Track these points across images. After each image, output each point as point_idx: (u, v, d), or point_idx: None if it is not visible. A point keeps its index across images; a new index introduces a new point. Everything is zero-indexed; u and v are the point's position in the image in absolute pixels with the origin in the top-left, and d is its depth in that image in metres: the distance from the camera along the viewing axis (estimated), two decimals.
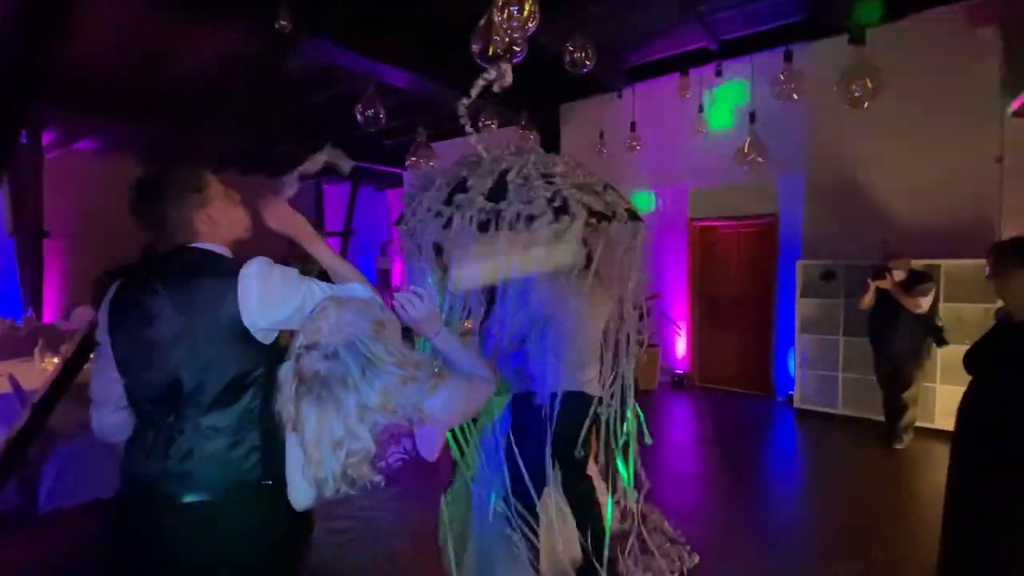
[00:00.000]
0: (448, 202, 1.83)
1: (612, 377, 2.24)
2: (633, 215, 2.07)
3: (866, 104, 2.54)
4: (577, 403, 2.11)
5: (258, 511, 1.12)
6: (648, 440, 2.30)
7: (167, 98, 5.28)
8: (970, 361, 1.98)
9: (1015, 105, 3.99)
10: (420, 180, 2.05)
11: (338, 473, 1.03)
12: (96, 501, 3.22)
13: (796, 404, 5.08)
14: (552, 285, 2.00)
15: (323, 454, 1.02)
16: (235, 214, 1.35)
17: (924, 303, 3.81)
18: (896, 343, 4.01)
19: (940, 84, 4.48)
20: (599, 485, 2.35)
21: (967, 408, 1.98)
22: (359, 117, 3.43)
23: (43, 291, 6.52)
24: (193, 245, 1.27)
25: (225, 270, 1.21)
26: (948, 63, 4.43)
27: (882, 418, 4.60)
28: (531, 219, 1.71)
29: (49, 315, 6.85)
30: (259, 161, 8.13)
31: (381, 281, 10.94)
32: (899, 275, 4.00)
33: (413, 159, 4.09)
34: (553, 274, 1.99)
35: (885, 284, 3.91)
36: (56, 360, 3.68)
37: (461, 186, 1.82)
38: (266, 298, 1.19)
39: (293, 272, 1.25)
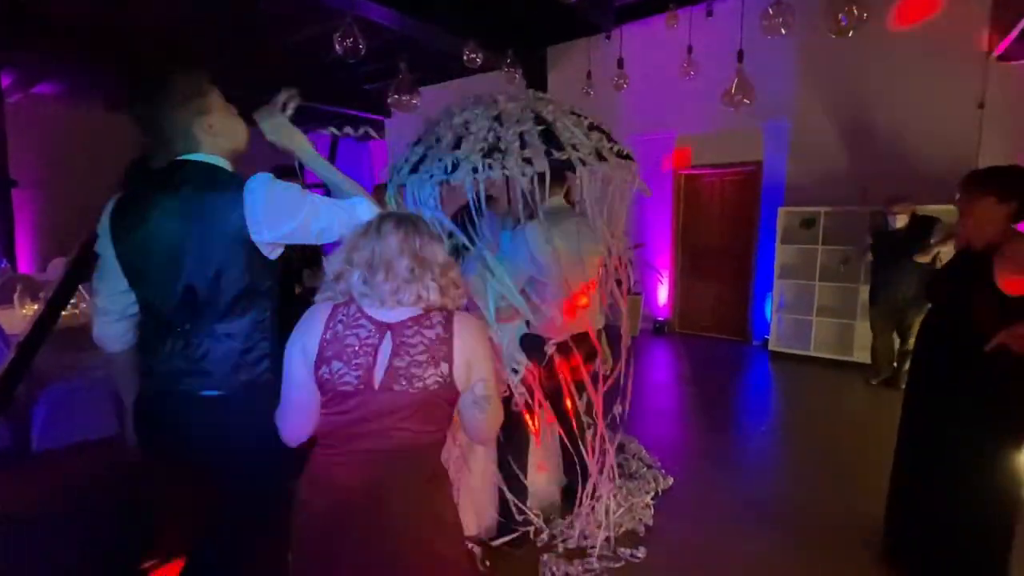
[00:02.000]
0: (457, 146, 1.84)
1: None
2: (624, 155, 2.07)
3: (851, 32, 2.53)
4: (580, 342, 2.18)
5: (269, 407, 1.20)
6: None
7: (133, 38, 4.99)
8: (930, 289, 2.08)
9: (999, 49, 4.00)
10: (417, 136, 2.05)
11: None
12: (86, 442, 3.29)
13: (771, 347, 5.28)
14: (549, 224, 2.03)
15: None
16: (235, 125, 1.36)
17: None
18: (902, 289, 3.96)
19: (926, 28, 4.45)
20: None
21: (925, 334, 2.09)
22: (337, 47, 3.29)
23: (15, 242, 6.34)
24: (195, 159, 1.27)
25: (230, 184, 1.24)
26: (934, 5, 4.39)
27: (850, 358, 4.83)
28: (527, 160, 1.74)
29: (23, 266, 6.70)
30: (235, 106, 7.82)
31: None
32: (902, 219, 3.93)
33: (396, 96, 3.97)
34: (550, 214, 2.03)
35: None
36: (36, 307, 3.65)
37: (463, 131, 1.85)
38: (271, 212, 1.22)
39: (296, 187, 1.26)
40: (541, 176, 1.76)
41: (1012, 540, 1.88)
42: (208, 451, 1.28)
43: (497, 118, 1.87)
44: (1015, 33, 3.65)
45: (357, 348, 1.11)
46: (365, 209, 1.33)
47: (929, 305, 2.12)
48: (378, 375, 1.10)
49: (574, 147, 1.82)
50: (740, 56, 3.68)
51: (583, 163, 1.83)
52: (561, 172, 1.98)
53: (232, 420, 1.27)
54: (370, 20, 4.46)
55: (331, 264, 1.16)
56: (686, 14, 4.73)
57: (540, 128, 1.84)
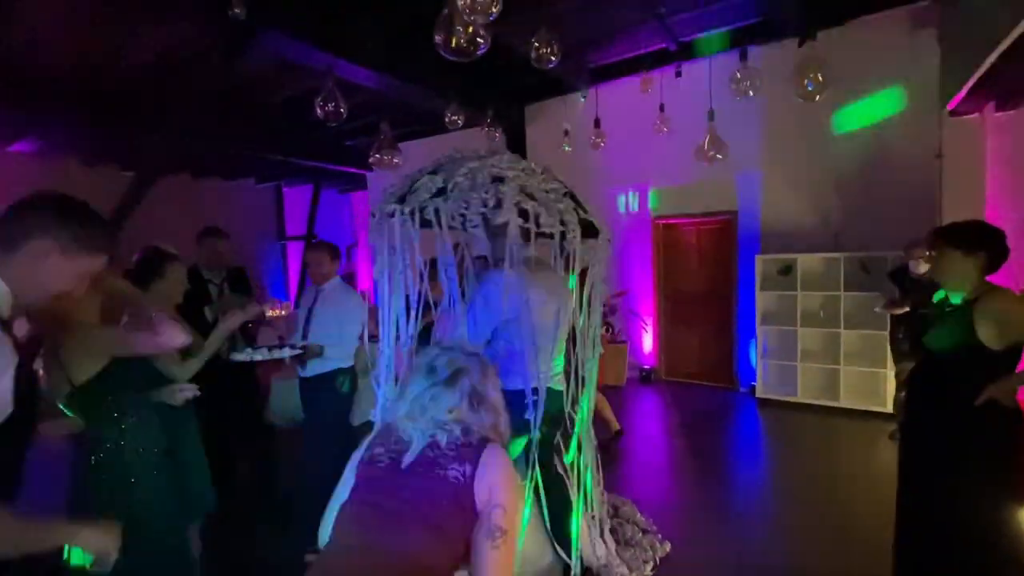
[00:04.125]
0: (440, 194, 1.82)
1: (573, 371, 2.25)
2: (590, 228, 2.07)
3: (817, 97, 2.65)
4: (549, 398, 2.09)
5: None
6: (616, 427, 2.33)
7: (112, 96, 5.02)
8: (919, 340, 2.09)
9: (951, 105, 4.25)
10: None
11: None
12: None
13: (758, 394, 5.25)
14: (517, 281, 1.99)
15: None
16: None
17: None
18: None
19: (884, 83, 4.74)
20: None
21: (913, 383, 2.09)
22: (319, 111, 3.33)
23: None
24: None
25: None
26: (891, 63, 4.69)
27: (837, 403, 4.81)
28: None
29: None
30: (213, 163, 7.84)
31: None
32: (924, 265, 3.68)
33: (377, 156, 4.01)
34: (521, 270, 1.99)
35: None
36: None
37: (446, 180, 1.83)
38: None
39: None
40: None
41: None
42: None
43: (523, 171, 1.90)
44: (963, 93, 3.89)
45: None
46: None
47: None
48: (407, 459, 1.21)
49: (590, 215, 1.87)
50: (711, 115, 3.83)
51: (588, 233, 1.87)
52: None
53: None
54: (351, 80, 4.56)
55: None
56: (657, 74, 4.96)
57: (565, 189, 1.89)
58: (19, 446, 1.12)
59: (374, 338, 2.26)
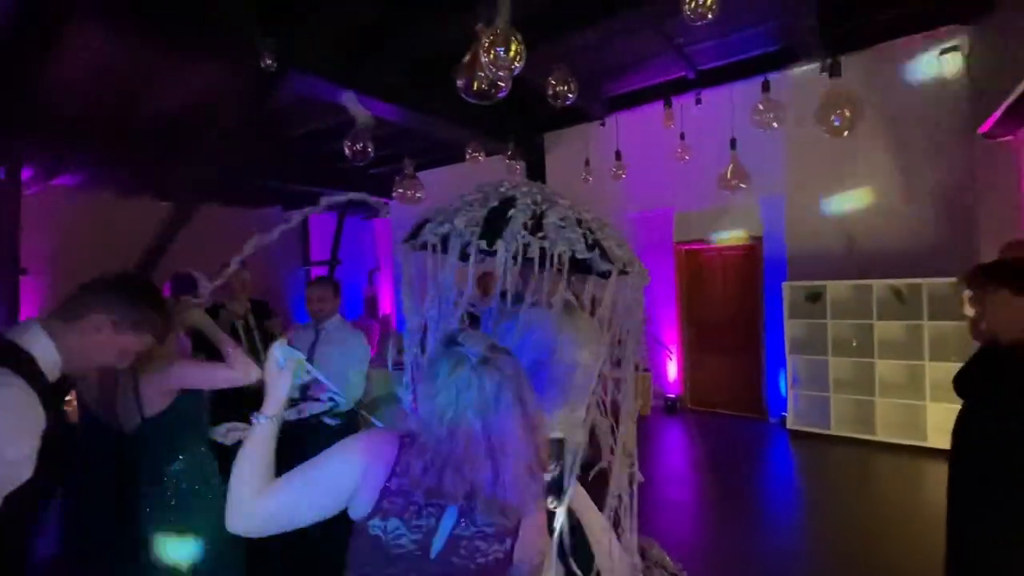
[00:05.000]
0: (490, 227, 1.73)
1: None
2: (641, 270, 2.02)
3: (845, 133, 2.59)
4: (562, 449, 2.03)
5: None
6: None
7: (146, 134, 5.25)
8: (959, 385, 1.98)
9: (983, 128, 4.13)
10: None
11: None
12: None
13: (789, 425, 5.06)
14: (551, 322, 1.95)
15: None
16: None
17: None
18: None
19: (913, 106, 4.64)
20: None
21: (960, 433, 1.97)
22: (347, 151, 3.42)
23: None
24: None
25: None
26: (918, 88, 4.60)
27: (874, 437, 4.61)
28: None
29: None
30: (240, 193, 8.09)
31: (368, 310, 10.84)
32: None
33: (400, 191, 4.08)
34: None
35: None
36: None
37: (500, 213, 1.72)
38: None
39: None
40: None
41: None
42: None
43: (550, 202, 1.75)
44: (997, 114, 3.78)
45: (422, 507, 0.95)
46: None
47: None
48: (437, 543, 0.95)
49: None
50: (733, 143, 3.79)
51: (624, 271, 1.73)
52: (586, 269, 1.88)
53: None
54: (374, 115, 4.68)
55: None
56: (677, 103, 4.97)
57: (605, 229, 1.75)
58: (31, 509, 1.12)
59: (398, 366, 2.24)
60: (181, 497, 1.72)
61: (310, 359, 2.69)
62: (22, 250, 6.14)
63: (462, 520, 0.97)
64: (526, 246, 1.53)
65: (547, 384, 1.91)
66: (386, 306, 10.50)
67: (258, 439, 1.02)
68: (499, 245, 1.51)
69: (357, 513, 0.98)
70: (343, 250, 10.11)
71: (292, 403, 2.70)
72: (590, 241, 1.64)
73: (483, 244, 1.53)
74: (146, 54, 3.80)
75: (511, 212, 1.55)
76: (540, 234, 1.56)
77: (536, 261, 1.57)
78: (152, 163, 5.70)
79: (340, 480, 0.97)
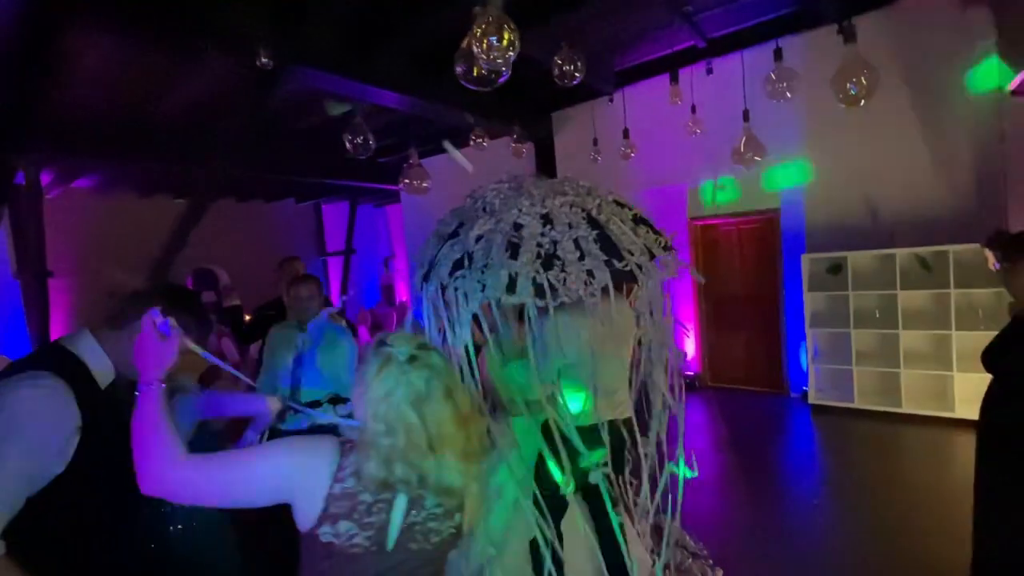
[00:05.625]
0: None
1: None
2: (666, 247, 1.94)
3: (862, 101, 2.48)
4: (609, 431, 2.04)
5: None
6: (692, 472, 2.20)
7: (159, 133, 5.30)
8: (988, 358, 1.92)
9: (1013, 85, 3.93)
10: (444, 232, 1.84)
11: None
12: None
13: (811, 400, 5.00)
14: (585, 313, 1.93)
15: None
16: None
17: None
18: None
19: (935, 67, 4.42)
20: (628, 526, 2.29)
21: (989, 407, 1.92)
22: (348, 145, 3.41)
23: (49, 331, 6.53)
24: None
25: None
26: (942, 46, 4.37)
27: (899, 409, 4.53)
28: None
29: None
30: (255, 187, 8.16)
31: (385, 297, 10.94)
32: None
33: (406, 181, 4.07)
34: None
35: None
36: None
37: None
38: None
39: None
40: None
41: None
42: None
43: (546, 217, 1.71)
44: None
45: (371, 504, 0.98)
46: None
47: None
48: (392, 535, 0.99)
49: (630, 252, 1.68)
50: (746, 115, 3.67)
51: (640, 268, 1.68)
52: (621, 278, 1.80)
53: None
54: (379, 103, 4.65)
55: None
56: (687, 73, 4.82)
57: (595, 232, 1.70)
58: (74, 506, 1.16)
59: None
60: (197, 537, 1.69)
61: (297, 364, 2.49)
62: (48, 253, 6.32)
63: (412, 509, 1.01)
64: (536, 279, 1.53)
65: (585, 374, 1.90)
66: (402, 293, 10.58)
67: (157, 405, 1.03)
68: (515, 300, 1.50)
69: (304, 525, 0.99)
70: (357, 239, 10.18)
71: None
72: (604, 258, 1.59)
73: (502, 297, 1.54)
74: (151, 55, 3.81)
75: (518, 264, 1.52)
76: (559, 267, 1.53)
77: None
78: (167, 162, 5.76)
79: (259, 482, 1.00)
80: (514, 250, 1.58)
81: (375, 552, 0.98)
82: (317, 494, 0.97)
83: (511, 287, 1.51)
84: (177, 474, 0.98)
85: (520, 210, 1.63)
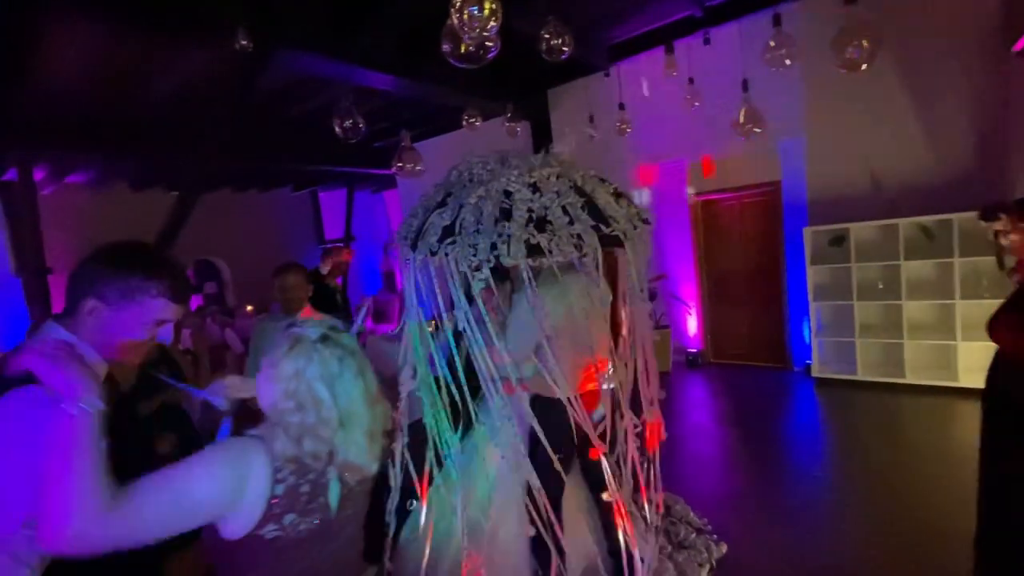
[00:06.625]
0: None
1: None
2: (643, 220, 1.96)
3: (864, 66, 2.39)
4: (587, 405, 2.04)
5: None
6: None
7: (146, 126, 5.24)
8: (993, 327, 1.89)
9: (1018, 47, 3.80)
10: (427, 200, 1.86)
11: None
12: None
13: (815, 373, 4.98)
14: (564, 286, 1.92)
15: None
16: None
17: None
18: None
19: (936, 30, 4.29)
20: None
21: (995, 377, 1.89)
22: (338, 129, 3.35)
23: None
24: None
25: None
26: (942, 6, 4.24)
27: (903, 380, 4.51)
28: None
29: None
30: (251, 177, 8.09)
31: (387, 284, 10.92)
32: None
33: (399, 164, 4.01)
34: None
35: None
36: None
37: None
38: None
39: None
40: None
41: None
42: None
43: (534, 187, 1.72)
44: None
45: (311, 492, 1.00)
46: None
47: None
48: (333, 503, 1.03)
49: (615, 220, 1.70)
50: (745, 85, 3.58)
51: (625, 235, 1.70)
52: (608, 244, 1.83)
53: None
54: (369, 86, 4.56)
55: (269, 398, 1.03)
56: (683, 45, 4.69)
57: (582, 200, 1.71)
58: None
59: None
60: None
61: None
62: (46, 250, 6.30)
63: (343, 485, 1.05)
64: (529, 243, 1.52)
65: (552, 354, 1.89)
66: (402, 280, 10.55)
67: (88, 434, 0.85)
68: (508, 261, 1.48)
69: (240, 531, 0.95)
70: (356, 226, 10.12)
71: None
72: (592, 223, 1.59)
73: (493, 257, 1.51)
74: (133, 43, 3.73)
75: (513, 218, 1.52)
76: (550, 230, 1.52)
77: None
78: (158, 154, 5.70)
79: (206, 504, 0.92)
80: (506, 214, 1.58)
81: (321, 530, 1.02)
82: (259, 502, 0.95)
83: (506, 249, 1.51)
84: (103, 527, 0.81)
85: (509, 179, 1.63)
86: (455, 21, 1.55)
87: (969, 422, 3.71)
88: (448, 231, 1.59)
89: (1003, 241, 1.82)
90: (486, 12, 1.53)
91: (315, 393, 0.98)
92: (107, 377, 1.11)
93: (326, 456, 1.00)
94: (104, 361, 1.09)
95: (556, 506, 2.12)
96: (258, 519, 0.95)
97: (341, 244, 9.96)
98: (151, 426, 1.66)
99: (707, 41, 4.69)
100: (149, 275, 1.08)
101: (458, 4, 1.52)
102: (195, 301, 8.23)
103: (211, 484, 0.92)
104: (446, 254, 1.55)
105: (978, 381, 2.02)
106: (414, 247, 1.64)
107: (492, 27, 1.56)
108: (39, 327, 1.09)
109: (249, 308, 7.98)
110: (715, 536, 2.66)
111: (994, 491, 1.94)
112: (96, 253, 1.10)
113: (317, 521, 1.01)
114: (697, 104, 4.36)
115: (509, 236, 1.49)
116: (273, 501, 0.96)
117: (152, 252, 1.15)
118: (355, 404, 1.02)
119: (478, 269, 1.50)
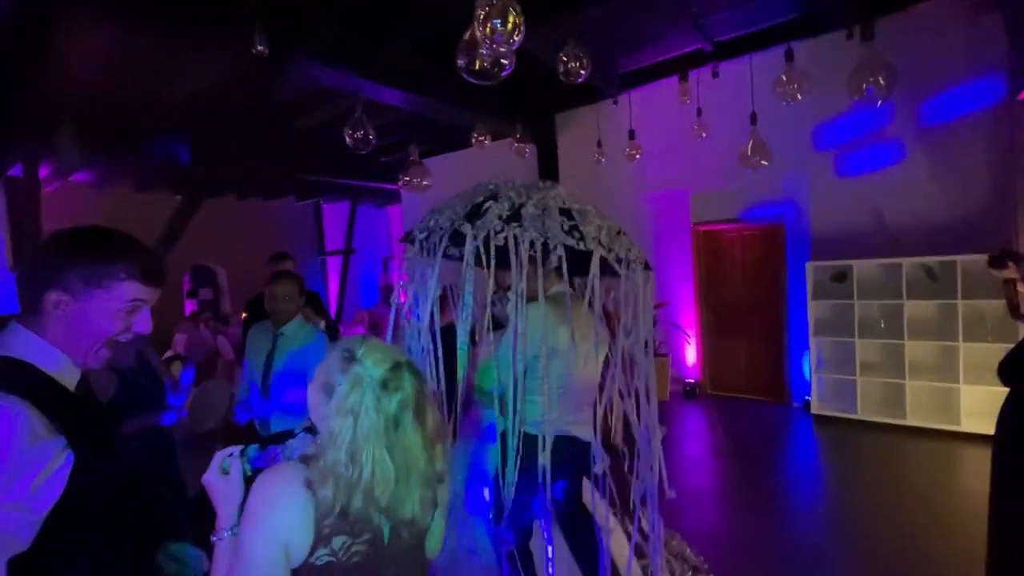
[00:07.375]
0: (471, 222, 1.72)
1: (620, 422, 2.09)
2: (645, 265, 1.95)
3: (879, 102, 2.41)
4: (568, 446, 1.93)
5: None
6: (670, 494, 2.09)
7: (156, 129, 5.26)
8: (1006, 372, 1.85)
9: (1023, 95, 3.86)
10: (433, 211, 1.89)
11: None
12: None
13: (814, 410, 4.91)
14: (554, 322, 1.86)
15: None
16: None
17: None
18: None
19: (945, 74, 4.37)
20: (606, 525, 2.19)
21: (1008, 420, 1.84)
22: (348, 140, 3.35)
23: None
24: None
25: None
26: (952, 53, 4.32)
27: (903, 421, 4.45)
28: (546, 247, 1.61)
29: None
30: (256, 185, 8.11)
31: (384, 297, 10.87)
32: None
33: (407, 179, 4.01)
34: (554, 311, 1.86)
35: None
36: None
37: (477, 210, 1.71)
38: None
39: None
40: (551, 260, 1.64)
41: None
42: None
43: (536, 206, 1.74)
44: None
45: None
46: None
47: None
48: (386, 529, 0.96)
49: (611, 249, 1.71)
50: (753, 119, 3.61)
51: (620, 263, 1.73)
52: (582, 262, 1.80)
53: None
54: (381, 101, 4.59)
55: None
56: (693, 76, 4.76)
57: (571, 223, 1.72)
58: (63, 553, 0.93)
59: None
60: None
61: (267, 368, 2.37)
62: None
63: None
64: (500, 235, 1.54)
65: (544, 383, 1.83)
66: (403, 294, 10.50)
67: (223, 558, 0.92)
68: (466, 230, 1.51)
69: (293, 563, 0.90)
70: (357, 239, 10.12)
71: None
72: (566, 228, 1.59)
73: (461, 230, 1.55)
74: (148, 44, 3.76)
75: (488, 204, 1.55)
76: (515, 224, 1.54)
77: (516, 252, 1.56)
78: (164, 157, 5.71)
79: (268, 567, 0.88)
80: (516, 214, 1.63)
81: (374, 552, 0.95)
82: (308, 535, 0.90)
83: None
84: None
85: (514, 195, 1.68)
86: (477, 34, 1.55)
87: (971, 467, 3.64)
88: (513, 218, 1.60)
89: (1021, 288, 1.80)
90: (509, 26, 1.53)
91: (372, 450, 0.89)
92: (83, 386, 1.00)
93: (376, 514, 0.92)
94: (78, 368, 0.97)
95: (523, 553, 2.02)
96: (310, 546, 0.90)
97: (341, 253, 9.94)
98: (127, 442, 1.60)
99: (716, 74, 4.77)
100: (113, 256, 0.96)
101: (482, 16, 1.52)
102: (189, 306, 8.17)
103: (270, 544, 0.88)
104: (514, 236, 1.57)
105: (980, 426, 1.98)
106: (427, 239, 1.65)
107: (515, 41, 1.55)
108: (1, 329, 0.95)
109: (244, 316, 7.89)
110: (713, 574, 2.56)
111: (1006, 541, 1.88)
112: (52, 240, 0.97)
113: (368, 542, 0.94)
114: (704, 136, 4.41)
115: (581, 232, 1.56)
116: (321, 527, 0.91)
117: (113, 233, 1.01)
118: (413, 452, 0.94)
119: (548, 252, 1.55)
